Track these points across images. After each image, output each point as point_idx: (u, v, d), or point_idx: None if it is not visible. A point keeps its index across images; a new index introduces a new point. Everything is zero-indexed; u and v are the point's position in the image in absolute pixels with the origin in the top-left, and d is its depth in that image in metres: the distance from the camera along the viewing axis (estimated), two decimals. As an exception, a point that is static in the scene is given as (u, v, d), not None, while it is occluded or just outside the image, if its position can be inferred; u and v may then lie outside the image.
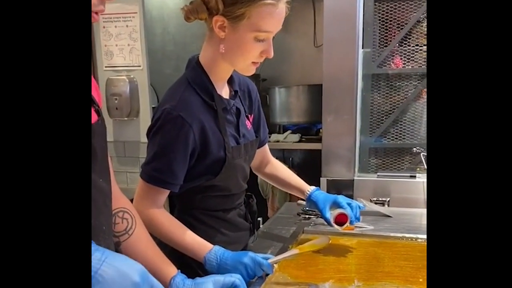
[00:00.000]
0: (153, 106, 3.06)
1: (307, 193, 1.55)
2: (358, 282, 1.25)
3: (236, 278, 1.11)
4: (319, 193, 1.53)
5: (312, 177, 2.11)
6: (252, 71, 1.30)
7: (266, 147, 1.63)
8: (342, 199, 1.48)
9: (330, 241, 1.33)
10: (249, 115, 1.47)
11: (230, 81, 1.41)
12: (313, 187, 1.56)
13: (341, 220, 1.44)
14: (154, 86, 3.27)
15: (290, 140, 3.04)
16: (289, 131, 3.14)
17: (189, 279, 1.12)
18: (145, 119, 2.83)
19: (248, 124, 1.45)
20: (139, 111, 2.82)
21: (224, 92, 1.38)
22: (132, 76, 2.80)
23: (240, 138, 1.39)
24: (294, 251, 1.29)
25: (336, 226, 1.44)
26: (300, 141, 3.04)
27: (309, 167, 3.04)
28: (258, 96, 1.52)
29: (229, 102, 1.36)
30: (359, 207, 1.49)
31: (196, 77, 1.32)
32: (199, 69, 1.32)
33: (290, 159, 3.30)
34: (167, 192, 1.30)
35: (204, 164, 1.32)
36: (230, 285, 1.10)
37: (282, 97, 3.28)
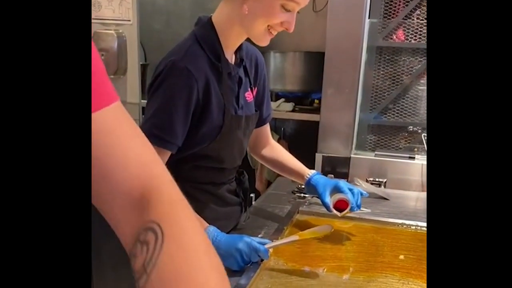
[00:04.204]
0: (142, 63, 2.91)
1: (307, 177, 1.46)
2: (356, 272, 1.19)
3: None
4: (320, 177, 1.45)
5: (304, 150, 2.02)
6: (266, 41, 1.23)
7: (267, 127, 1.53)
8: (343, 184, 1.41)
9: (333, 230, 1.25)
10: (253, 88, 1.37)
11: (238, 49, 1.30)
12: (313, 171, 1.48)
13: (341, 206, 1.36)
14: (142, 42, 3.10)
15: (283, 109, 2.91)
16: (282, 99, 3.01)
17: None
18: (133, 77, 2.67)
19: (249, 97, 1.35)
20: (127, 69, 2.65)
21: (230, 57, 1.29)
22: (120, 31, 2.61)
23: (238, 109, 1.30)
24: (293, 237, 1.21)
25: (335, 212, 1.36)
26: (293, 110, 2.92)
27: (301, 138, 2.95)
28: (265, 71, 1.43)
29: (234, 69, 1.27)
30: (361, 194, 1.41)
31: (205, 35, 1.23)
32: (210, 27, 1.24)
33: (282, 129, 3.19)
34: (167, 153, 1.21)
35: (202, 129, 1.23)
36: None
37: (277, 63, 3.13)
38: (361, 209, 1.50)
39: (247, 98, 1.35)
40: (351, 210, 1.36)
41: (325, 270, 1.20)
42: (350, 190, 1.40)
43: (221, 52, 1.24)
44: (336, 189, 1.40)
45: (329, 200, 1.38)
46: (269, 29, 1.20)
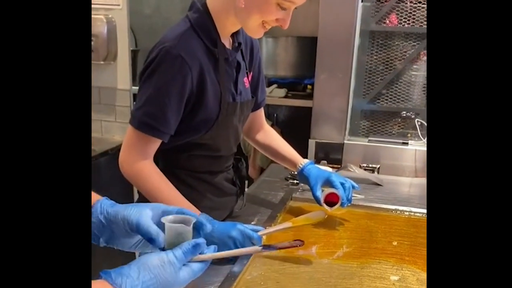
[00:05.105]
0: (132, 49, 2.86)
1: (300, 167, 1.45)
2: (350, 258, 1.18)
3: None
4: (312, 168, 1.43)
5: (297, 136, 2.00)
6: (259, 35, 1.21)
7: (262, 111, 1.51)
8: (335, 177, 1.38)
9: (326, 216, 1.24)
10: (248, 73, 1.35)
11: (235, 32, 1.28)
12: (306, 160, 1.46)
13: (331, 200, 1.35)
14: (132, 27, 3.05)
15: (275, 95, 2.89)
16: (274, 85, 2.98)
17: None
18: (123, 63, 2.63)
19: (246, 82, 1.33)
20: (117, 55, 2.61)
21: (227, 42, 1.26)
22: (110, 16, 2.56)
23: (237, 96, 1.28)
24: (286, 224, 1.20)
25: (325, 207, 1.35)
26: (286, 96, 2.89)
27: (294, 124, 2.93)
28: (260, 54, 1.40)
29: (231, 53, 1.24)
30: (353, 187, 1.40)
31: (201, 20, 1.20)
32: (205, 12, 1.21)
33: (275, 115, 3.17)
34: (158, 142, 1.19)
35: (196, 117, 1.21)
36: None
37: (269, 48, 3.10)
38: (355, 195, 1.49)
39: (245, 84, 1.32)
40: (342, 205, 1.35)
41: (317, 249, 1.20)
42: (342, 184, 1.38)
43: (217, 38, 1.21)
44: (328, 183, 1.38)
45: (320, 194, 1.37)
46: (263, 24, 1.17)
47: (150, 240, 0.75)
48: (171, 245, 0.76)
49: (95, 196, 0.82)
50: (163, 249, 0.76)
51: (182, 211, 0.82)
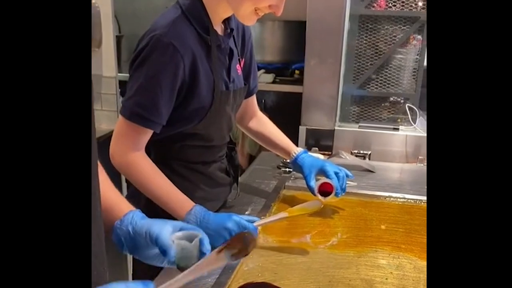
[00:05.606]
0: (116, 35, 2.79)
1: (293, 155, 1.43)
2: (346, 248, 1.18)
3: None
4: (306, 157, 1.42)
5: (286, 122, 1.98)
6: (252, 22, 1.17)
7: (254, 98, 1.48)
8: (329, 167, 1.37)
9: (322, 206, 1.23)
10: (241, 59, 1.32)
11: (226, 18, 1.24)
12: (300, 149, 1.44)
13: (325, 189, 1.34)
14: (116, 14, 2.98)
15: (263, 80, 2.85)
16: (262, 71, 2.94)
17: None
18: (108, 50, 2.56)
19: (239, 69, 1.30)
20: (101, 41, 2.54)
21: (219, 29, 1.22)
22: (93, 1, 2.49)
23: (230, 83, 1.25)
24: (282, 214, 1.19)
25: (319, 197, 1.34)
26: (274, 82, 2.86)
27: (282, 110, 2.90)
28: (251, 40, 1.37)
29: (223, 40, 1.21)
30: (347, 176, 1.39)
31: (192, 7, 1.16)
32: None
33: (263, 101, 3.14)
34: (150, 132, 1.16)
35: (189, 107, 1.18)
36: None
37: (256, 33, 3.06)
38: (348, 182, 1.48)
39: (238, 71, 1.30)
40: (336, 195, 1.34)
41: (312, 238, 1.20)
42: (336, 174, 1.36)
43: (209, 24, 1.17)
44: (322, 172, 1.37)
45: (314, 183, 1.36)
46: (256, 11, 1.14)
47: (163, 252, 0.84)
48: (178, 260, 0.85)
49: (129, 207, 0.91)
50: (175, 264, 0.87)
51: (195, 228, 0.92)
